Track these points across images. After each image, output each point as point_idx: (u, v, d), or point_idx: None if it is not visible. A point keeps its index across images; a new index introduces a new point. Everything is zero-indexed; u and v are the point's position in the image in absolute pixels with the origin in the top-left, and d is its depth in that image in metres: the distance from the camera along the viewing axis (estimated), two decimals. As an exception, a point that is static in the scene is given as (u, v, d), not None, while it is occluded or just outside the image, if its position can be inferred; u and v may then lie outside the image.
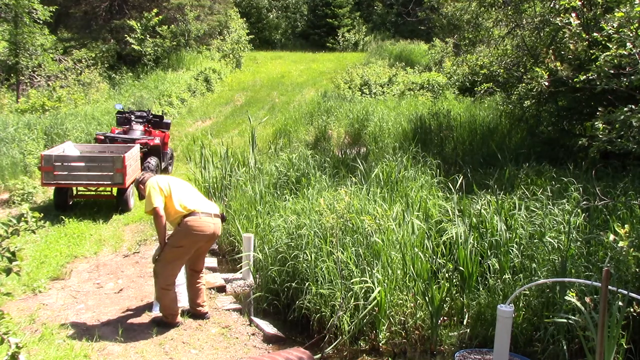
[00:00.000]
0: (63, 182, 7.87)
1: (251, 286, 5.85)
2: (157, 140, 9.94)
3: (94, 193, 8.52)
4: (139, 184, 4.97)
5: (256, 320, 5.04)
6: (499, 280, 4.91)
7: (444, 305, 4.87)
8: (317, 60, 26.23)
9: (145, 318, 4.92)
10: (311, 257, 5.15)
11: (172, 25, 20.12)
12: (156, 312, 4.98)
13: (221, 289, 5.68)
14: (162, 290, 4.68)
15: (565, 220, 5.37)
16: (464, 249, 5.16)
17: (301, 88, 20.26)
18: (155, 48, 19.17)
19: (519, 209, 5.88)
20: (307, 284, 5.01)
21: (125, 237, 7.32)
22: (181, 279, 5.11)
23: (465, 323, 4.87)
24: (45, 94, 14.79)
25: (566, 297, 4.11)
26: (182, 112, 16.65)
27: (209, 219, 4.71)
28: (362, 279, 4.83)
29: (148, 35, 19.12)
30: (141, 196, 4.93)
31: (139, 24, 18.91)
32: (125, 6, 20.14)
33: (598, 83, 5.13)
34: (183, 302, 5.05)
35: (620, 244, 4.05)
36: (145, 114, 10.56)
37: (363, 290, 4.80)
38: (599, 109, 5.19)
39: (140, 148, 9.24)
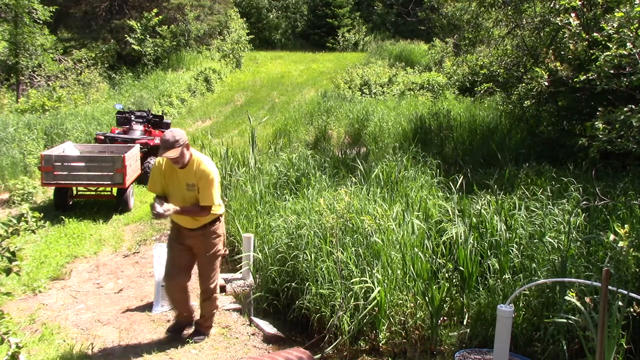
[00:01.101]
0: (63, 182, 7.87)
1: (251, 286, 5.85)
2: (157, 140, 9.94)
3: (94, 193, 8.53)
4: (183, 145, 4.00)
5: (256, 320, 5.03)
6: (499, 280, 4.91)
7: (444, 305, 4.87)
8: (317, 60, 26.22)
9: (145, 318, 4.92)
10: (311, 257, 5.15)
11: (172, 25, 20.13)
12: (156, 312, 4.98)
13: (221, 289, 5.68)
14: (216, 298, 4.54)
15: (565, 220, 5.37)
16: (464, 249, 5.16)
17: (301, 88, 20.26)
18: (155, 48, 19.18)
19: (519, 209, 5.88)
20: (307, 284, 5.01)
21: (125, 237, 7.33)
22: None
23: (465, 323, 4.87)
24: (45, 94, 14.80)
25: (566, 297, 4.11)
26: (182, 112, 16.65)
27: None
28: (362, 279, 4.83)
29: (148, 35, 19.13)
30: (177, 159, 4.02)
31: (139, 24, 18.92)
32: (125, 6, 20.15)
33: (598, 83, 5.13)
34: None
35: (620, 244, 4.05)
36: (145, 114, 10.57)
37: (363, 290, 4.80)
38: (599, 109, 5.19)
39: (140, 148, 9.25)
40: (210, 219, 4.28)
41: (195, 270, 4.48)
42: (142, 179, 9.50)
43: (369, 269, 4.95)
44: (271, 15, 31.76)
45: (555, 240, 5.06)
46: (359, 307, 4.70)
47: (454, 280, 5.11)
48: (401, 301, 4.90)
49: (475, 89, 12.37)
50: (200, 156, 4.19)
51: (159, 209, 4.04)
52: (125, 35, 18.87)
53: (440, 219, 6.02)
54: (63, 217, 7.67)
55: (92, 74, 16.95)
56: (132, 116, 10.34)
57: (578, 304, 3.87)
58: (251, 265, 5.84)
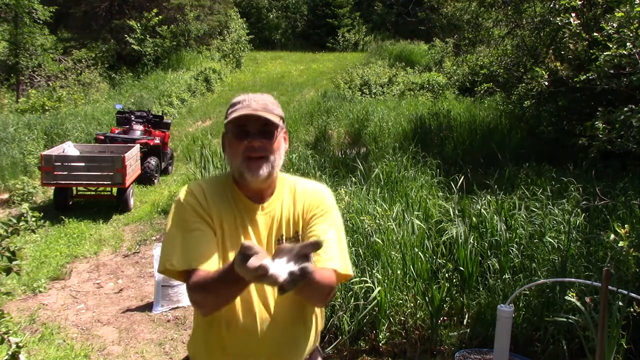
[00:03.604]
0: (63, 182, 7.88)
1: (251, 286, 5.85)
2: (157, 140, 9.95)
3: (94, 193, 8.53)
4: (283, 127, 2.01)
5: (256, 320, 5.02)
6: (499, 280, 4.91)
7: (444, 305, 4.87)
8: (317, 60, 26.22)
9: (145, 318, 4.92)
10: (311, 257, 5.15)
11: (172, 25, 20.13)
12: (156, 312, 4.97)
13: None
14: None
15: (565, 220, 5.37)
16: (464, 249, 5.16)
17: (301, 88, 20.26)
18: (155, 48, 19.19)
19: (519, 209, 5.88)
20: (307, 284, 5.00)
21: (125, 237, 7.32)
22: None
23: (465, 323, 4.86)
24: (45, 94, 14.81)
25: (566, 297, 4.10)
26: (182, 112, 16.65)
27: None
28: (362, 279, 4.82)
29: (148, 35, 19.13)
30: None
31: (139, 24, 18.92)
32: (125, 6, 20.15)
33: (598, 83, 5.13)
34: (184, 302, 5.06)
35: (621, 244, 4.04)
36: (145, 114, 10.57)
37: (363, 290, 4.79)
38: (599, 109, 5.19)
39: (140, 148, 9.25)
40: (313, 341, 1.89)
41: None
42: (142, 179, 9.50)
43: (369, 269, 4.95)
44: (271, 15, 31.76)
45: (555, 240, 5.06)
46: (359, 307, 4.70)
47: (454, 280, 5.11)
48: (401, 301, 4.89)
49: (475, 89, 12.37)
50: (290, 176, 1.92)
51: (278, 267, 1.39)
52: (125, 35, 18.87)
53: (440, 219, 6.01)
54: (63, 217, 7.67)
55: (92, 74, 16.96)
56: (132, 116, 10.34)
57: (578, 304, 3.87)
58: (251, 265, 5.83)
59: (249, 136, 1.68)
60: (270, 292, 1.76)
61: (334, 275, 1.72)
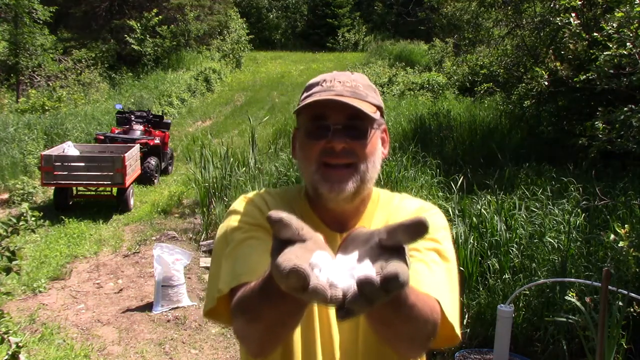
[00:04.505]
0: (63, 182, 7.88)
1: (251, 286, 5.84)
2: (157, 140, 9.96)
3: (94, 193, 8.53)
4: (380, 124, 1.30)
5: (256, 320, 5.01)
6: (499, 280, 4.91)
7: (444, 305, 4.87)
8: (317, 60, 26.23)
9: (145, 318, 4.92)
10: (311, 257, 5.14)
11: (172, 25, 20.14)
12: (156, 312, 4.98)
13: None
14: None
15: (565, 220, 5.37)
16: (464, 249, 5.16)
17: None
18: (155, 48, 19.20)
19: (519, 209, 5.88)
20: (307, 284, 4.99)
21: (125, 237, 7.32)
22: (181, 278, 5.11)
23: (465, 323, 4.86)
24: (45, 94, 14.82)
25: (566, 297, 4.10)
26: (182, 112, 16.66)
27: None
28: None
29: (148, 35, 19.15)
30: None
31: (138, 24, 18.94)
32: (125, 6, 20.16)
33: (598, 83, 5.13)
34: (184, 302, 5.06)
35: (621, 244, 4.04)
36: (145, 114, 10.58)
37: (363, 290, 4.79)
38: (599, 109, 5.19)
39: (140, 148, 9.25)
40: None
41: None
42: (142, 179, 9.50)
43: (369, 269, 4.94)
44: (271, 15, 31.78)
45: (555, 240, 5.06)
46: (359, 307, 4.69)
47: (454, 280, 5.11)
48: (401, 301, 4.89)
49: (475, 89, 12.38)
50: (388, 192, 1.36)
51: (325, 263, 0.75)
52: (125, 35, 18.88)
53: (440, 219, 6.01)
54: (63, 217, 7.67)
55: (92, 74, 16.98)
56: (132, 116, 10.35)
57: (578, 304, 3.87)
58: (251, 265, 5.82)
59: (329, 133, 1.15)
60: (338, 332, 1.18)
61: (439, 309, 1.06)
